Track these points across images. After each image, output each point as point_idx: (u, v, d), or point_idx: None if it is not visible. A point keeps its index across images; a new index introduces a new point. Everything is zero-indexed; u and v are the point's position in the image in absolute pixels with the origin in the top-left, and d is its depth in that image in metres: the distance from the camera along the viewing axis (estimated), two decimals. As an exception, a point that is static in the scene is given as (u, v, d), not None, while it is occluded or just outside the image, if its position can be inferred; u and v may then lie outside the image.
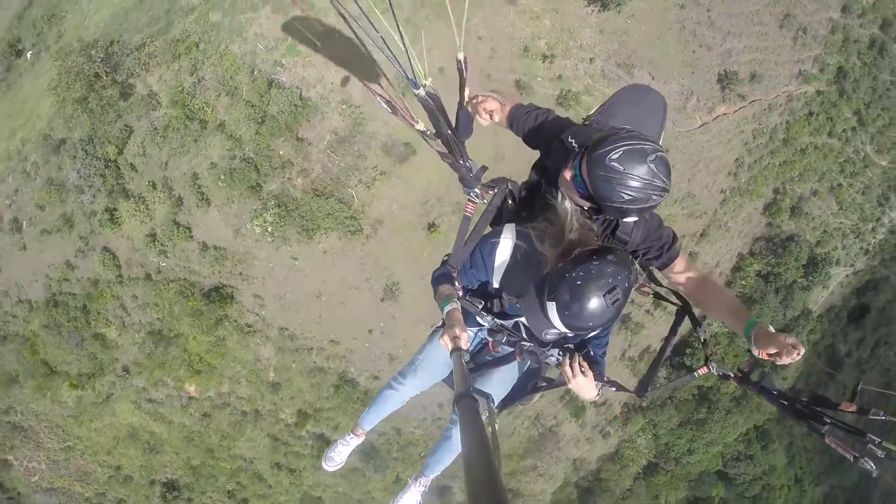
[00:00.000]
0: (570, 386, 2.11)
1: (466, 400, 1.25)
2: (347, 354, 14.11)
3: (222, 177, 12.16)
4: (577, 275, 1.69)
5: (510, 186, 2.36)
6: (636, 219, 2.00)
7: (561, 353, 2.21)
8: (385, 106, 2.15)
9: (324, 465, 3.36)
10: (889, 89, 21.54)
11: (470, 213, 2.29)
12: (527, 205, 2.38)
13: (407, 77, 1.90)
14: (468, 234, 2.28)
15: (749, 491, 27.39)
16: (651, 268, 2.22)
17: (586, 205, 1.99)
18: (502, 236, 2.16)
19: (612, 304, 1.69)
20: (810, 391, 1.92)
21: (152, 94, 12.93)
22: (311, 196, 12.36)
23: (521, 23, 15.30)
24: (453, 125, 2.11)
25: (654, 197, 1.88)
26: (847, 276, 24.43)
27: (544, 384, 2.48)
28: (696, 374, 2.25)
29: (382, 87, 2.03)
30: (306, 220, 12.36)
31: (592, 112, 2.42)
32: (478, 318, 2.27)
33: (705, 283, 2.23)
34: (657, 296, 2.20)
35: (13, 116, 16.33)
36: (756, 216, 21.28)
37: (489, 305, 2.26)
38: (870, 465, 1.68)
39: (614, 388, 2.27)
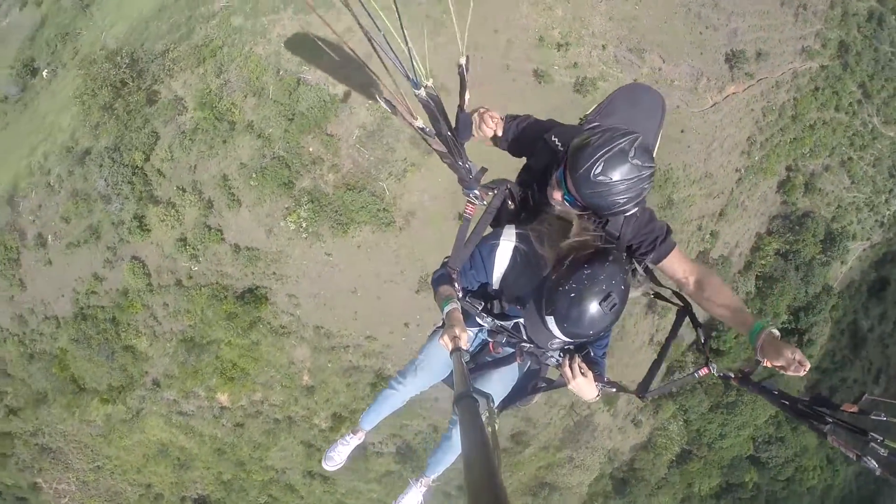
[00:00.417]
0: (570, 387, 2.11)
1: (466, 400, 1.25)
2: (384, 350, 14.02)
3: (254, 175, 12.19)
4: (571, 286, 1.69)
5: (510, 187, 2.35)
6: (635, 210, 1.99)
7: (561, 354, 2.21)
8: (385, 105, 2.16)
9: (323, 465, 3.38)
10: (891, 60, 21.87)
11: (469, 214, 2.29)
12: (525, 206, 2.38)
13: (408, 77, 1.91)
14: (468, 236, 2.27)
15: (782, 473, 27.12)
16: (647, 263, 2.19)
17: (584, 214, 2.00)
18: (502, 238, 2.16)
19: (610, 309, 1.68)
20: (812, 392, 2.04)
21: (178, 98, 13.02)
22: (344, 190, 12.40)
23: (534, 14, 15.54)
24: (453, 126, 2.12)
25: (646, 186, 1.88)
26: (864, 250, 24.53)
27: (544, 385, 2.49)
28: (696, 374, 2.22)
29: (384, 86, 2.02)
30: (340, 214, 12.38)
31: (590, 111, 2.43)
32: (478, 319, 2.27)
33: (705, 280, 2.17)
34: (658, 296, 2.20)
35: (33, 133, 16.40)
36: (771, 195, 21.41)
37: (489, 307, 2.26)
38: (872, 463, 1.68)
39: (614, 389, 2.26)
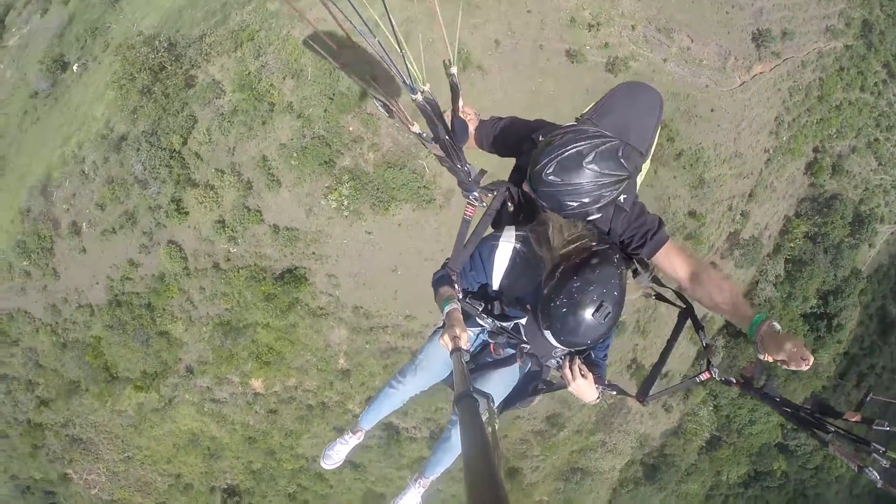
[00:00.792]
0: (570, 389, 2.09)
1: (466, 400, 1.24)
2: (423, 330, 13.95)
3: (295, 155, 12.18)
4: (562, 301, 1.67)
5: (509, 189, 2.34)
6: (600, 216, 1.95)
7: (561, 356, 2.20)
8: (381, 109, 2.16)
9: (322, 464, 3.38)
10: (915, 40, 21.69)
11: (469, 216, 2.28)
12: (522, 207, 2.37)
13: (404, 82, 1.89)
14: (467, 237, 2.27)
15: (810, 462, 26.80)
16: (642, 257, 2.14)
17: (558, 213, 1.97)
18: (501, 239, 2.16)
19: (604, 318, 1.66)
20: (815, 399, 1.90)
21: (215, 82, 13.05)
22: (384, 169, 12.37)
23: (564, -6, 15.53)
24: (450, 129, 2.12)
25: (606, 194, 1.82)
26: (893, 233, 24.25)
27: (544, 387, 2.50)
28: (698, 378, 2.16)
29: (379, 90, 2.04)
30: (380, 192, 12.35)
31: (587, 110, 2.37)
32: (478, 320, 2.26)
33: (701, 274, 2.09)
34: (659, 297, 2.15)
35: (65, 124, 16.49)
36: (799, 177, 21.25)
37: (489, 308, 2.25)
38: (874, 475, 1.64)
39: (615, 392, 2.25)
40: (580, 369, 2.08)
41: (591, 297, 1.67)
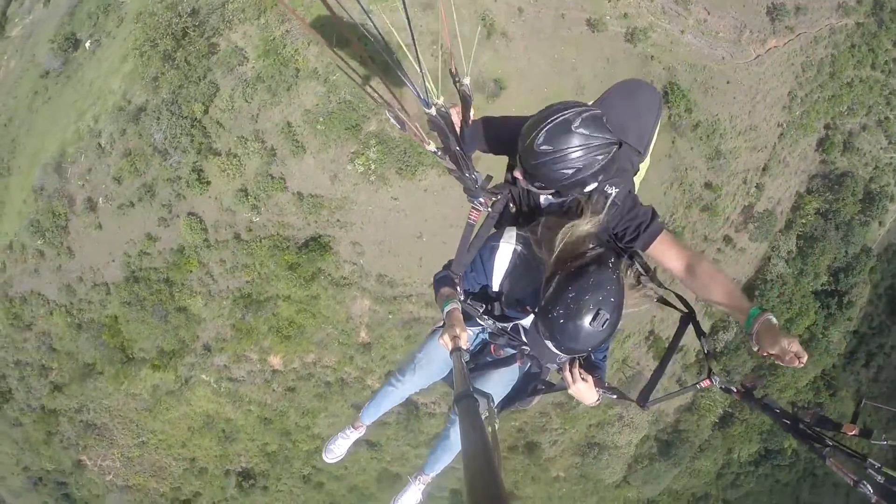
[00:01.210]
0: (570, 391, 2.11)
1: (467, 400, 1.23)
2: (447, 299, 13.84)
3: (321, 119, 12.05)
4: (559, 312, 1.68)
5: (512, 191, 2.34)
6: (596, 185, 1.95)
7: (562, 360, 2.20)
8: (395, 122, 2.17)
9: (324, 457, 3.45)
10: (925, 18, 21.80)
11: (474, 220, 2.30)
12: (524, 208, 2.38)
13: (419, 96, 1.92)
14: (471, 241, 2.28)
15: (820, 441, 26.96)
16: (634, 249, 2.14)
17: (549, 192, 2.01)
18: (502, 240, 2.15)
19: (602, 325, 1.65)
20: (813, 412, 1.90)
21: (238, 49, 12.90)
22: (409, 140, 12.27)
23: (583, -37, 15.50)
24: (461, 141, 2.15)
25: (599, 157, 1.84)
26: (902, 212, 24.40)
27: (543, 387, 2.51)
28: (698, 385, 2.17)
29: (398, 104, 2.03)
30: (407, 156, 12.25)
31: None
32: (479, 321, 2.26)
33: (697, 266, 2.11)
34: (661, 300, 2.11)
35: (79, 100, 16.27)
36: (811, 153, 21.35)
37: (490, 309, 2.25)
38: (869, 490, 1.65)
39: (615, 396, 2.26)
40: (580, 373, 2.07)
41: (588, 306, 1.65)
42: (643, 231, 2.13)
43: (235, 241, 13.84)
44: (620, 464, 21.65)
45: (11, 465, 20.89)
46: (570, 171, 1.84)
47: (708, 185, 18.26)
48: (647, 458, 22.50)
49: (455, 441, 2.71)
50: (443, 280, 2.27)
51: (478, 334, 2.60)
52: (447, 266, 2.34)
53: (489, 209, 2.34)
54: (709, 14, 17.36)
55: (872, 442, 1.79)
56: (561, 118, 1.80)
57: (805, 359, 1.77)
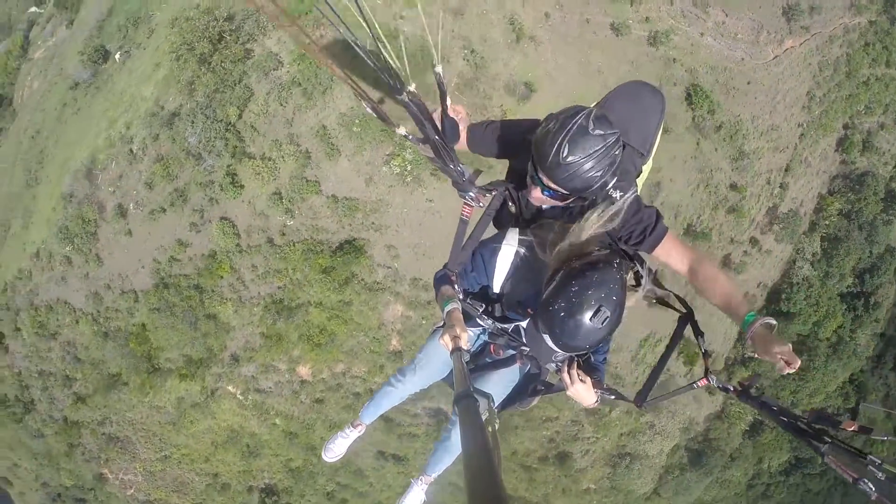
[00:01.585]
0: (568, 393, 2.12)
1: (467, 400, 1.24)
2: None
3: (357, 121, 12.12)
4: (560, 305, 1.68)
5: (509, 189, 2.33)
6: (615, 181, 2.00)
7: (561, 360, 2.22)
8: (370, 111, 2.16)
9: (323, 456, 3.46)
10: (937, 15, 22.04)
11: (466, 216, 2.28)
12: (525, 208, 2.36)
13: (389, 82, 1.87)
14: (465, 238, 2.28)
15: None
16: (640, 251, 2.16)
17: (569, 201, 2.02)
18: (504, 242, 2.15)
19: (602, 323, 1.66)
20: (812, 409, 1.91)
21: (273, 54, 13.08)
22: (443, 135, 12.34)
23: (605, -31, 15.82)
24: (440, 129, 2.14)
25: (616, 153, 1.88)
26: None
27: (542, 388, 2.52)
28: (695, 385, 2.17)
29: (364, 92, 2.02)
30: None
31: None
32: (479, 321, 2.27)
33: (699, 267, 2.14)
34: (660, 301, 2.13)
35: (110, 109, 16.47)
36: (831, 153, 21.39)
37: (490, 309, 2.26)
38: (869, 487, 1.64)
39: (613, 397, 2.27)
40: (578, 374, 2.08)
41: (590, 302, 1.65)
42: (649, 234, 2.12)
43: (268, 246, 13.80)
44: (651, 474, 21.12)
45: (30, 480, 20.51)
46: (599, 174, 1.85)
47: (733, 187, 18.25)
48: (677, 469, 21.98)
49: (456, 442, 2.69)
50: (442, 279, 2.25)
51: (478, 335, 2.58)
52: (447, 264, 2.31)
53: (481, 205, 2.31)
54: (727, 16, 17.62)
55: (873, 437, 1.75)
56: (576, 125, 1.80)
57: (797, 364, 1.76)
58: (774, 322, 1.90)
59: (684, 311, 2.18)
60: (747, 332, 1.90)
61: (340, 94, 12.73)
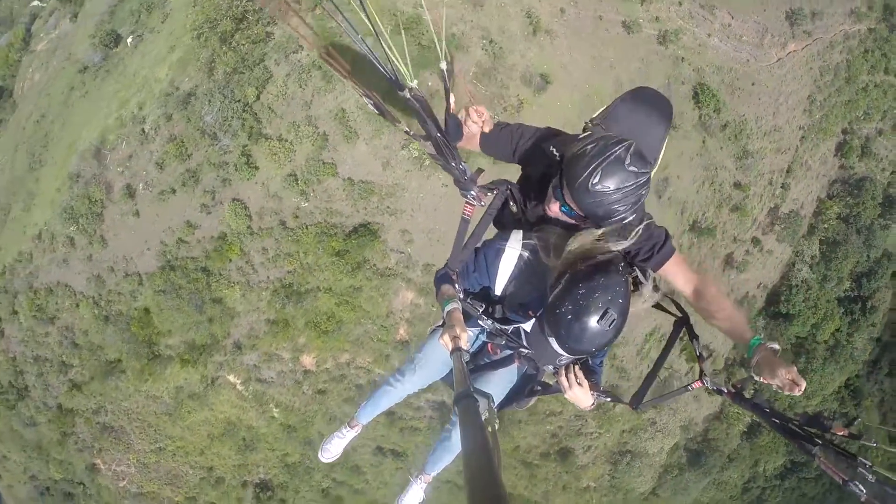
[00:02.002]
0: (566, 395, 2.15)
1: (467, 400, 1.26)
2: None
3: (376, 104, 12.15)
4: (567, 308, 1.70)
5: (511, 188, 2.36)
6: (633, 217, 2.01)
7: (562, 362, 2.25)
8: (372, 107, 2.21)
9: (319, 456, 3.45)
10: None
11: (468, 215, 2.31)
12: (526, 212, 2.39)
13: (389, 78, 1.89)
14: (466, 237, 2.29)
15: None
16: (647, 270, 2.18)
17: (582, 225, 2.01)
18: (508, 244, 2.17)
19: (609, 325, 1.69)
20: (803, 412, 1.99)
21: (293, 37, 13.12)
22: (462, 121, 12.45)
23: (617, -32, 16.17)
24: (443, 127, 2.16)
25: (643, 193, 1.91)
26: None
27: (540, 389, 2.56)
28: (689, 388, 2.23)
29: (364, 88, 2.07)
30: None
31: (595, 115, 2.42)
32: (478, 321, 2.29)
33: (704, 290, 2.17)
34: (657, 306, 2.19)
35: (122, 90, 16.35)
36: (830, 158, 21.88)
37: (490, 310, 2.27)
38: (859, 489, 1.68)
39: (609, 399, 2.30)
40: (577, 377, 2.08)
41: (597, 304, 1.65)
42: (657, 251, 2.13)
43: (280, 228, 13.70)
44: (651, 473, 21.09)
45: (19, 472, 19.90)
46: (621, 208, 1.86)
47: (737, 185, 18.57)
48: (676, 468, 21.97)
49: (455, 441, 2.68)
50: (443, 278, 2.24)
51: (478, 335, 2.57)
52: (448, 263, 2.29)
53: (482, 204, 2.30)
54: (732, 18, 18.07)
55: (863, 443, 1.78)
56: (613, 156, 1.80)
57: (803, 386, 1.77)
58: (779, 347, 1.90)
59: (680, 315, 2.22)
60: (753, 357, 1.90)
61: (360, 79, 12.76)
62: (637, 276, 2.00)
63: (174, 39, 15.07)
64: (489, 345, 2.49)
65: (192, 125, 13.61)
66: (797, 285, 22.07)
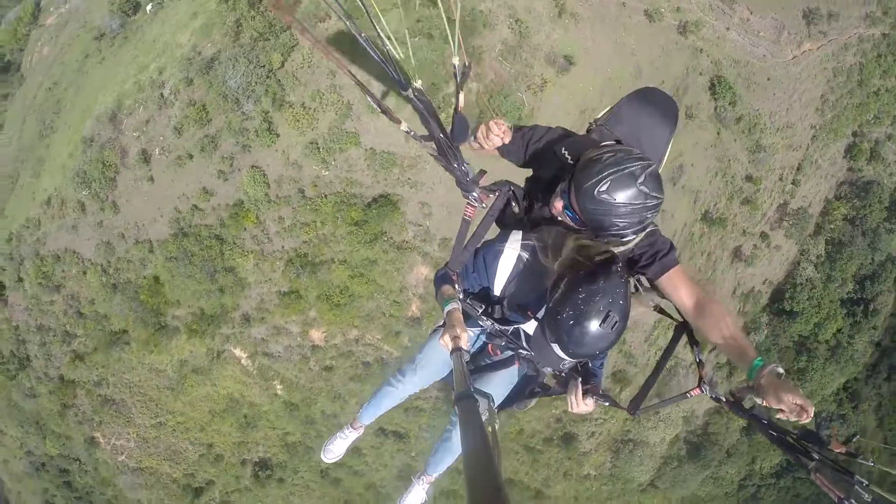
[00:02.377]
0: (569, 409, 2.19)
1: (467, 400, 1.27)
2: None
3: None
4: (568, 313, 1.68)
5: (513, 189, 2.36)
6: (636, 237, 1.99)
7: (565, 368, 2.28)
8: (375, 105, 2.22)
9: (322, 457, 3.48)
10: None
11: (469, 216, 2.30)
12: (530, 213, 2.40)
13: (394, 78, 1.90)
14: (467, 238, 2.29)
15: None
16: (646, 277, 2.17)
17: (581, 230, 2.01)
18: (507, 245, 2.16)
19: (612, 328, 1.68)
20: (802, 427, 1.91)
21: (319, 8, 13.07)
22: (487, 97, 12.46)
23: (641, -43, 16.27)
24: (448, 128, 2.13)
25: (648, 216, 1.88)
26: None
27: (540, 390, 2.57)
28: (688, 395, 2.20)
29: (367, 89, 2.09)
30: (484, 116, 12.35)
31: (601, 115, 2.41)
32: (478, 322, 2.31)
33: (706, 305, 2.09)
34: (658, 309, 2.21)
35: (141, 55, 16.21)
36: (839, 159, 22.08)
37: (490, 310, 2.27)
38: None
39: (608, 403, 2.30)
40: (584, 399, 2.11)
41: (598, 308, 1.64)
42: (658, 259, 2.09)
43: (299, 197, 13.61)
44: (652, 463, 21.14)
45: (15, 448, 19.60)
46: (622, 224, 1.83)
47: (749, 178, 18.70)
48: (676, 460, 22.03)
49: (456, 442, 2.67)
50: (443, 278, 2.23)
51: (478, 335, 2.56)
52: (448, 263, 2.29)
53: (484, 205, 2.29)
54: (751, 13, 18.23)
55: (861, 462, 1.76)
56: (628, 170, 1.78)
57: (812, 412, 1.69)
58: (783, 370, 1.82)
59: (680, 320, 2.19)
60: (756, 378, 1.80)
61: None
62: (637, 278, 2.00)
63: (197, 6, 14.96)
64: (490, 346, 2.47)
65: (214, 90, 13.49)
66: (802, 284, 22.24)
